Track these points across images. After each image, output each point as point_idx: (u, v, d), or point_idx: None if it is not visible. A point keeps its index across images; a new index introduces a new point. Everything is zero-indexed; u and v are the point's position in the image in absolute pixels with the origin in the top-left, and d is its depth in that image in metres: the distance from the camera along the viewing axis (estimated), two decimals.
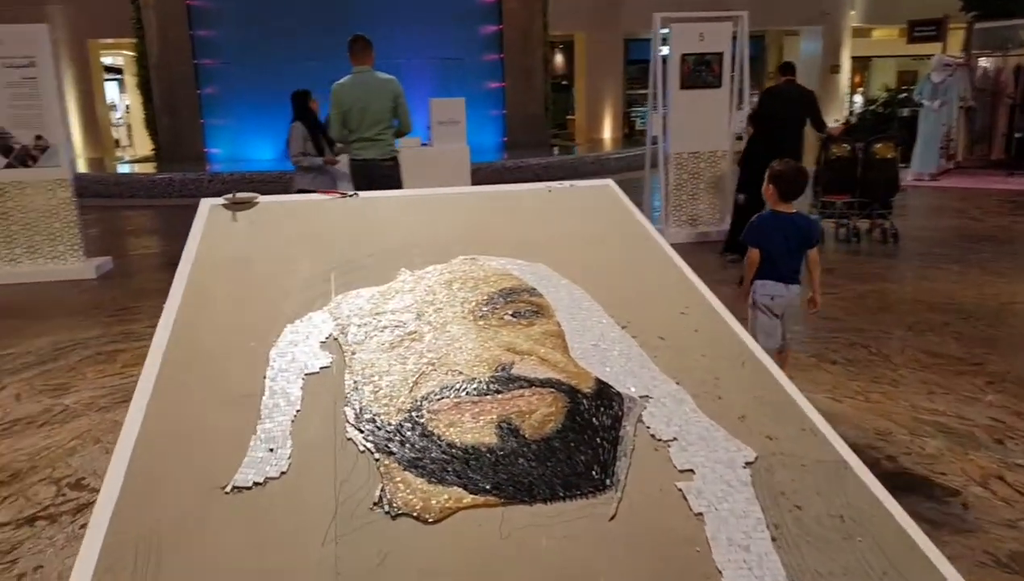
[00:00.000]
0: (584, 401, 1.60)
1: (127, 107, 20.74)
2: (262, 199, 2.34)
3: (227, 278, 2.02)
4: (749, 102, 7.89)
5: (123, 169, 14.19)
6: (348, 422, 1.53)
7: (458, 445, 1.47)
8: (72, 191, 6.42)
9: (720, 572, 1.25)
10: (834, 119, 15.34)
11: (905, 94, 14.33)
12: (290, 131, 6.14)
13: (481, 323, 1.84)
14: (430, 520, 1.32)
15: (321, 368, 1.68)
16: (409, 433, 1.50)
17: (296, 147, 6.06)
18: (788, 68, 7.11)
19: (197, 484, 1.38)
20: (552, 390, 1.62)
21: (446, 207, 2.44)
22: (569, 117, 21.10)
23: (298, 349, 1.74)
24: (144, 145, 16.24)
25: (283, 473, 1.41)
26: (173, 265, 1.86)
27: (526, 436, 1.49)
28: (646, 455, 1.47)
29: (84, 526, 1.31)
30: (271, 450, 1.46)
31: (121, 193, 11.57)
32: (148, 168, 13.86)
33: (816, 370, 3.83)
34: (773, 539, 1.31)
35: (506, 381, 1.64)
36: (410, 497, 1.36)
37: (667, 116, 7.41)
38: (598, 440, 1.50)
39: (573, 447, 1.48)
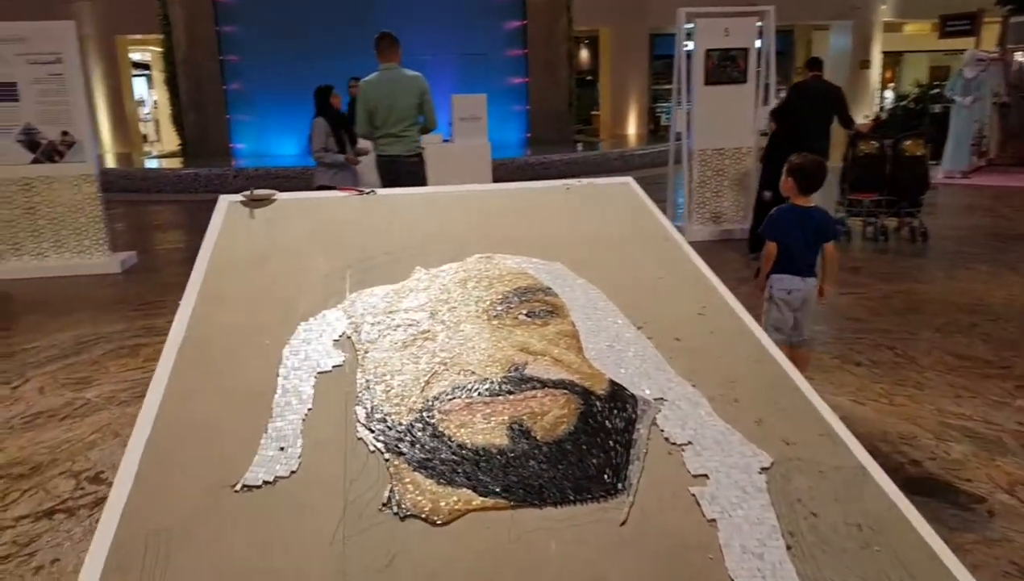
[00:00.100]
0: (597, 403, 1.58)
1: (155, 103, 20.99)
2: (280, 196, 2.34)
3: (243, 275, 2.02)
4: (776, 98, 7.79)
5: (150, 164, 14.37)
6: (359, 421, 1.52)
7: (468, 446, 1.45)
8: (97, 186, 6.50)
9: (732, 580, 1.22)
10: (863, 115, 15.12)
11: (937, 90, 14.06)
12: (312, 127, 6.17)
13: (495, 323, 1.82)
14: (439, 522, 1.30)
15: (334, 367, 1.68)
16: (420, 433, 1.49)
17: (318, 143, 6.09)
18: (815, 64, 7.00)
19: (207, 482, 1.38)
20: (565, 391, 1.60)
21: (463, 205, 2.42)
22: (594, 113, 21.00)
23: (311, 347, 1.74)
24: (171, 140, 16.42)
25: (293, 472, 1.41)
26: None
27: (537, 438, 1.48)
28: (659, 459, 1.45)
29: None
30: (282, 449, 1.46)
31: (148, 188, 11.71)
32: (175, 163, 14.02)
33: (840, 371, 3.76)
34: (788, 547, 1.28)
35: (519, 382, 1.62)
36: (419, 498, 1.34)
37: (691, 112, 7.34)
38: (611, 443, 1.48)
39: (585, 450, 1.46)
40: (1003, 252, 6.43)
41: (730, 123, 7.26)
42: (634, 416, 1.55)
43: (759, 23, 7.45)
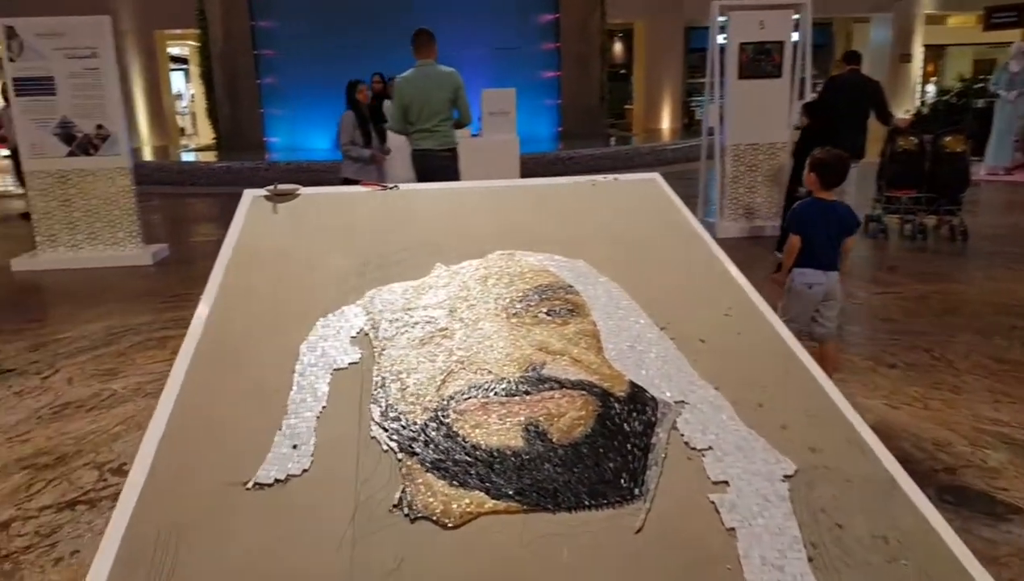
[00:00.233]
0: (616, 405, 1.54)
1: (192, 96, 21.29)
2: (303, 191, 2.34)
3: (264, 270, 2.02)
4: (812, 92, 7.63)
5: (186, 157, 14.57)
6: (373, 420, 1.50)
7: (483, 447, 1.43)
8: (131, 179, 6.60)
9: None
10: (904, 110, 14.79)
11: (981, 84, 13.69)
12: (340, 120, 6.22)
13: (514, 321, 1.79)
14: (449, 525, 1.28)
15: (350, 364, 1.66)
16: (434, 433, 1.46)
17: (345, 136, 6.16)
18: (853, 57, 6.84)
19: (219, 479, 1.38)
20: (583, 393, 1.57)
21: (486, 200, 2.40)
22: (627, 107, 20.85)
23: (328, 344, 1.73)
24: (207, 134, 16.65)
25: (305, 471, 1.39)
26: None
27: (553, 440, 1.45)
28: (678, 464, 1.41)
29: None
30: (295, 447, 1.45)
31: (183, 181, 11.89)
32: (209, 156, 14.20)
33: (873, 374, 3.67)
34: (810, 559, 1.24)
35: (536, 382, 1.59)
36: (430, 500, 1.32)
37: (724, 106, 7.23)
38: (628, 447, 1.44)
39: (602, 453, 1.42)
40: None
41: (764, 118, 7.14)
42: (653, 419, 1.52)
43: (796, 16, 7.31)
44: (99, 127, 6.39)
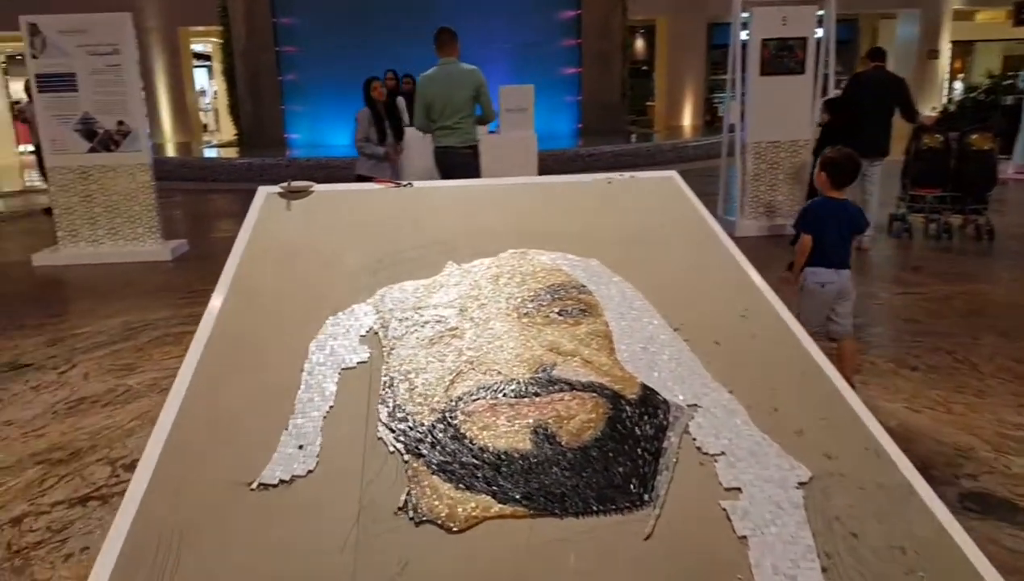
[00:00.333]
0: (627, 408, 1.52)
1: (215, 93, 21.47)
2: (317, 188, 2.33)
3: (275, 267, 2.01)
4: (835, 89, 7.53)
5: (208, 154, 14.69)
6: (380, 421, 1.49)
7: (490, 450, 1.41)
8: (151, 175, 6.64)
9: None
10: (931, 107, 14.57)
11: (1010, 81, 13.45)
12: (356, 117, 6.24)
13: (525, 321, 1.77)
14: (454, 529, 1.26)
15: (358, 363, 1.65)
16: (441, 435, 1.44)
17: (360, 133, 6.19)
18: (877, 54, 6.74)
19: (224, 479, 1.37)
20: (594, 395, 1.54)
21: (500, 198, 2.37)
22: (649, 103, 20.73)
23: (337, 342, 1.72)
24: (230, 130, 16.77)
25: (310, 471, 1.38)
26: None
27: (562, 443, 1.42)
28: (690, 469, 1.38)
29: None
30: (300, 447, 1.44)
31: (204, 177, 11.98)
32: (231, 153, 14.30)
33: (894, 376, 3.60)
34: (823, 569, 1.21)
35: (546, 383, 1.57)
36: (436, 503, 1.30)
37: (745, 103, 7.14)
38: (639, 451, 1.41)
39: (611, 457, 1.40)
40: None
41: (786, 115, 7.06)
42: (665, 423, 1.49)
43: (819, 12, 7.21)
44: (120, 123, 6.44)
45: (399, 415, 1.50)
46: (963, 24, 20.51)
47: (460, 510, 1.29)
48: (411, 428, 1.46)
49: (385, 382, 1.59)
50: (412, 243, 2.10)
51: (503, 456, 1.39)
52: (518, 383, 1.57)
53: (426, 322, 1.77)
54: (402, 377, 1.60)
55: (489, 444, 1.42)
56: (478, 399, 1.53)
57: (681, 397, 1.55)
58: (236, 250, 2.06)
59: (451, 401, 1.53)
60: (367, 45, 13.20)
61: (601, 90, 15.56)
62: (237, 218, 9.28)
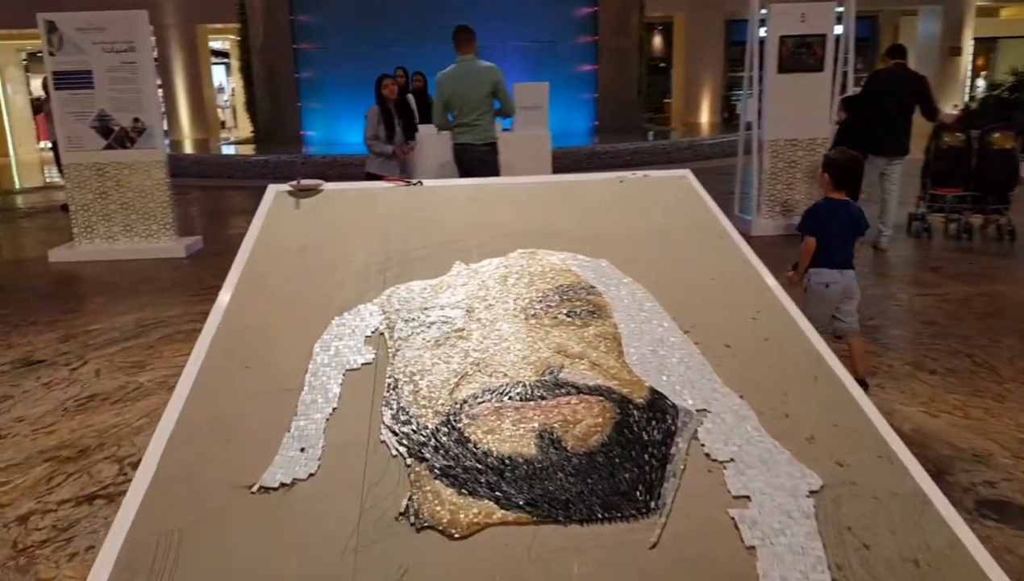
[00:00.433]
0: (635, 412, 1.49)
1: (232, 90, 21.58)
2: (326, 186, 2.32)
3: (283, 267, 2.00)
4: (854, 87, 7.43)
5: (225, 150, 14.75)
6: (384, 423, 1.47)
7: (494, 454, 1.38)
8: (166, 172, 6.67)
9: None
10: (952, 104, 14.38)
11: None
12: (366, 115, 6.23)
13: (532, 322, 1.74)
14: (456, 535, 1.24)
15: (363, 364, 1.64)
16: (444, 439, 1.42)
17: (369, 130, 6.16)
18: (898, 51, 6.64)
19: (225, 481, 1.36)
20: (601, 398, 1.52)
21: (511, 197, 2.35)
22: (666, 100, 20.62)
23: (342, 343, 1.70)
24: (247, 127, 16.84)
25: (311, 475, 1.37)
26: None
27: (568, 448, 1.40)
28: (698, 477, 1.35)
29: None
30: (302, 449, 1.42)
31: (221, 174, 12.02)
32: (247, 150, 14.35)
33: (911, 380, 3.54)
34: None
35: (552, 386, 1.54)
36: (438, 509, 1.28)
37: (762, 101, 7.07)
38: (646, 457, 1.39)
39: (618, 463, 1.37)
40: None
41: (804, 113, 6.97)
42: (674, 428, 1.46)
43: (839, 8, 7.12)
44: (136, 120, 6.48)
45: (403, 418, 1.48)
46: (986, 20, 20.22)
47: (462, 516, 1.27)
48: (415, 431, 1.45)
49: (390, 384, 1.58)
50: (421, 242, 2.08)
51: (507, 461, 1.37)
52: (524, 386, 1.54)
53: (432, 323, 1.75)
54: (407, 379, 1.59)
55: (493, 448, 1.40)
56: (483, 402, 1.51)
57: (690, 401, 1.52)
58: (244, 249, 2.06)
59: (456, 404, 1.51)
60: (384, 42, 13.20)
61: (617, 87, 15.46)
62: (252, 215, 9.30)
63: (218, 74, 21.44)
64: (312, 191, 2.31)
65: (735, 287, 1.93)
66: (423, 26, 13.25)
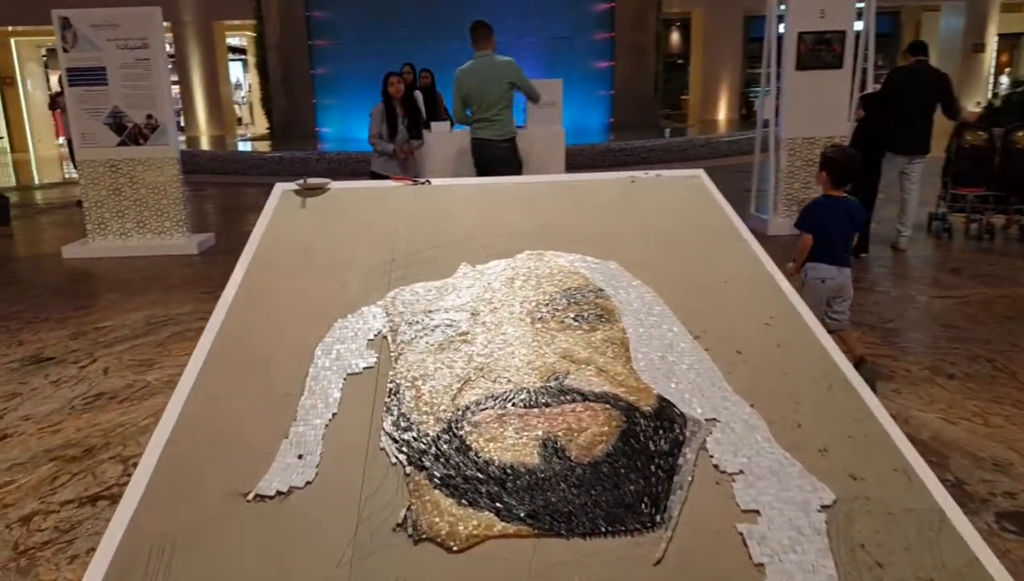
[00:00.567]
0: (642, 421, 1.45)
1: (249, 86, 21.67)
2: (333, 185, 2.30)
3: (286, 267, 1.98)
4: (874, 84, 7.32)
5: (241, 147, 14.79)
6: (384, 430, 1.44)
7: (496, 463, 1.35)
8: (179, 169, 6.68)
9: None
10: (975, 101, 14.18)
11: None
12: (371, 113, 6.17)
13: (539, 326, 1.71)
14: (454, 548, 1.21)
15: (365, 368, 1.61)
16: (445, 446, 1.39)
17: (373, 129, 6.11)
18: (919, 48, 6.53)
19: (221, 488, 1.33)
20: (607, 406, 1.47)
21: (520, 197, 2.31)
22: (683, 97, 20.49)
23: (344, 346, 1.67)
24: (264, 123, 16.89)
25: (308, 483, 1.34)
26: None
27: (572, 457, 1.36)
28: (706, 489, 1.31)
29: None
30: (300, 456, 1.39)
31: (236, 170, 12.06)
32: (263, 146, 14.39)
33: (929, 385, 3.46)
34: None
35: (557, 393, 1.50)
36: (436, 520, 1.25)
37: (780, 98, 6.98)
38: (652, 468, 1.34)
39: (623, 474, 1.33)
40: None
41: (823, 110, 6.88)
42: (681, 438, 1.42)
43: (859, 3, 7.01)
44: (149, 117, 6.49)
45: (403, 424, 1.45)
46: (1011, 16, 19.91)
47: (461, 528, 1.23)
48: (415, 439, 1.41)
49: (391, 389, 1.54)
50: (427, 243, 2.05)
51: (509, 470, 1.33)
52: (528, 392, 1.51)
53: (436, 326, 1.72)
54: (409, 384, 1.55)
55: (495, 457, 1.36)
56: (486, 409, 1.47)
57: (699, 410, 1.47)
58: (248, 249, 2.04)
59: (458, 410, 1.47)
60: (399, 39, 13.19)
61: (634, 84, 15.37)
62: None
63: (235, 70, 21.53)
64: (319, 190, 2.28)
65: (748, 291, 1.88)
66: (438, 22, 13.23)
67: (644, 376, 1.57)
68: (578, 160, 10.05)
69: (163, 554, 1.21)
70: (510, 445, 1.39)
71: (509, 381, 1.54)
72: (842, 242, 3.43)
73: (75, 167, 7.05)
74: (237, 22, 17.90)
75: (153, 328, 4.41)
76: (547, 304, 1.78)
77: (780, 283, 1.90)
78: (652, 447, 1.39)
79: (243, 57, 22.10)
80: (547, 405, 1.47)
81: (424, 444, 1.40)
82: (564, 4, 14.91)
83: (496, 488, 1.30)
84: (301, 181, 2.26)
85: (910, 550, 1.21)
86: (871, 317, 4.43)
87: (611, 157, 11.66)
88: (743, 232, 2.12)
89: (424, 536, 1.23)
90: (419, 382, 1.56)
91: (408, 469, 1.35)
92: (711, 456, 1.37)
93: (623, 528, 1.24)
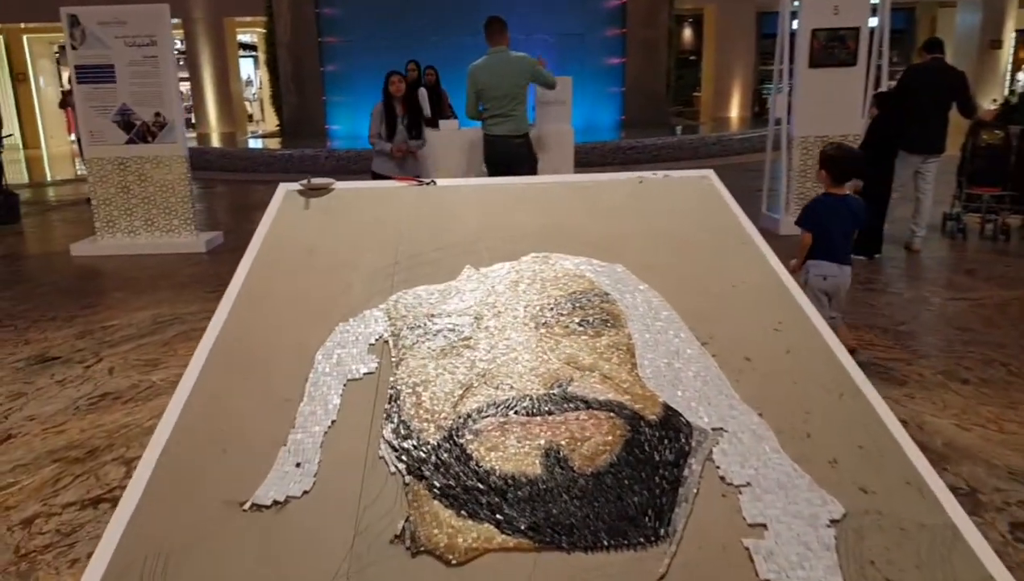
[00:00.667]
0: (646, 430, 1.41)
1: (260, 83, 21.70)
2: (337, 185, 2.27)
3: (289, 270, 1.95)
4: (888, 81, 7.24)
5: (251, 144, 14.80)
6: (383, 438, 1.41)
7: (497, 473, 1.32)
8: (187, 167, 6.68)
9: None
10: (991, 100, 14.02)
11: None
12: (372, 112, 6.11)
13: (543, 331, 1.67)
14: (453, 561, 1.18)
15: (365, 374, 1.58)
16: (445, 456, 1.36)
17: (373, 128, 6.05)
18: (934, 45, 6.44)
19: (217, 497, 1.31)
20: (611, 414, 1.44)
21: (525, 198, 2.28)
22: (695, 94, 20.38)
23: (345, 351, 1.65)
24: (274, 120, 16.91)
25: (306, 492, 1.31)
26: None
27: (574, 468, 1.33)
28: (711, 502, 1.28)
29: None
30: (298, 465, 1.37)
31: (245, 168, 12.06)
32: (272, 144, 14.40)
33: (943, 390, 3.40)
34: None
35: (560, 400, 1.47)
36: (435, 532, 1.22)
37: (792, 96, 6.91)
38: (657, 479, 1.31)
39: (627, 485, 1.30)
40: None
41: (836, 108, 6.81)
42: (687, 448, 1.38)
43: (874, 0, 6.93)
44: (157, 115, 6.50)
45: (403, 432, 1.42)
46: None
47: (460, 540, 1.21)
48: (415, 447, 1.38)
49: (391, 395, 1.52)
50: (431, 245, 2.02)
51: (510, 481, 1.30)
52: (531, 399, 1.47)
53: (438, 331, 1.69)
54: (409, 390, 1.53)
55: (496, 467, 1.33)
56: (487, 416, 1.44)
57: (705, 419, 1.44)
58: (251, 249, 2.02)
59: (459, 418, 1.45)
60: (409, 36, 13.16)
61: (646, 81, 15.29)
62: None
63: (246, 67, 21.57)
64: (323, 190, 2.26)
65: (757, 295, 1.84)
66: (449, 19, 13.21)
67: (650, 383, 1.54)
68: (588, 158, 10.00)
69: (158, 563, 1.20)
70: (512, 455, 1.36)
71: (512, 388, 1.51)
72: (843, 240, 3.45)
73: (84, 163, 7.07)
74: (248, 19, 17.94)
75: (159, 327, 4.40)
76: (552, 308, 1.75)
77: (789, 287, 1.86)
78: (657, 458, 1.36)
79: (254, 54, 22.14)
80: (550, 413, 1.44)
81: (424, 453, 1.37)
82: (575, 1, 14.85)
83: (497, 499, 1.27)
84: (305, 181, 2.24)
85: (921, 567, 1.18)
86: (883, 319, 4.37)
87: (622, 155, 11.60)
88: (753, 235, 2.08)
89: (422, 548, 1.20)
90: (420, 388, 1.53)
91: (407, 479, 1.32)
92: (717, 467, 1.34)
93: (626, 542, 1.21)
